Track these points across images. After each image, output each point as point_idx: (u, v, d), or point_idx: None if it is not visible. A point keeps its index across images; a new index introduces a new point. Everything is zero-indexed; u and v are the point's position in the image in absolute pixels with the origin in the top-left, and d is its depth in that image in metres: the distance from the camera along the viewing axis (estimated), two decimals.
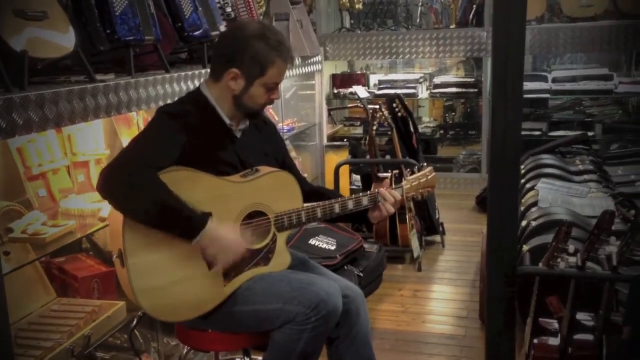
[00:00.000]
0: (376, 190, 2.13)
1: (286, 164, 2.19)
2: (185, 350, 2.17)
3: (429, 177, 2.25)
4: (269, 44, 1.93)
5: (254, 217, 1.97)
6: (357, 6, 5.98)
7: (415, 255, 3.99)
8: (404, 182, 2.21)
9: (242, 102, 1.98)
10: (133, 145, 1.85)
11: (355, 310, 2.02)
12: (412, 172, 2.26)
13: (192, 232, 1.78)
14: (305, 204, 2.04)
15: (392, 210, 2.12)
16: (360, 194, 2.11)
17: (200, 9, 2.69)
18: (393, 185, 2.19)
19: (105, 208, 2.33)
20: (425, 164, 2.39)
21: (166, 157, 1.82)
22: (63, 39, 1.96)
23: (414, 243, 4.00)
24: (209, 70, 2.66)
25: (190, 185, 1.84)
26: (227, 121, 2.00)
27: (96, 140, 2.66)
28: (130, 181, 1.74)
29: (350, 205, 2.08)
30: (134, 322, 2.26)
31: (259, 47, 1.92)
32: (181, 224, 1.78)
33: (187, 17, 2.61)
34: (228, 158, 1.97)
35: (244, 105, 1.99)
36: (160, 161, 1.80)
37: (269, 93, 1.99)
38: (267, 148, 2.13)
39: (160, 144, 1.83)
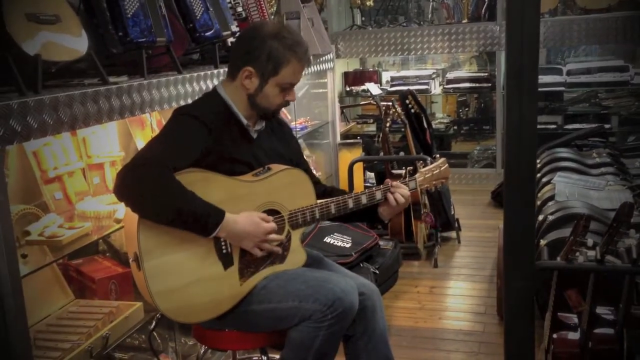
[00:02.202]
0: (389, 182, 2.11)
1: (301, 166, 2.18)
2: (202, 350, 2.17)
3: (442, 168, 2.22)
4: (284, 43, 1.92)
5: (268, 216, 1.97)
6: (368, 3, 5.96)
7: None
8: (417, 175, 2.19)
9: (257, 102, 1.98)
10: (149, 146, 1.86)
11: (371, 307, 2.01)
12: (425, 165, 2.23)
13: (210, 228, 1.79)
14: (319, 200, 2.04)
15: (402, 201, 2.09)
16: (374, 187, 2.10)
17: (211, 9, 2.69)
18: (407, 179, 2.17)
19: (121, 210, 2.34)
20: (438, 155, 2.36)
21: (183, 159, 1.83)
22: (76, 43, 1.97)
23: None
24: (221, 70, 2.68)
25: (203, 187, 1.84)
26: (244, 122, 2.00)
27: (111, 143, 2.68)
28: (146, 182, 1.74)
29: (364, 199, 2.07)
30: (153, 324, 2.26)
31: (274, 46, 1.92)
32: (198, 221, 1.78)
33: (198, 18, 2.62)
34: (245, 159, 1.97)
35: (258, 105, 1.98)
36: (177, 162, 1.81)
37: (284, 94, 1.98)
38: (282, 149, 2.13)
39: (177, 145, 1.84)
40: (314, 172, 4.49)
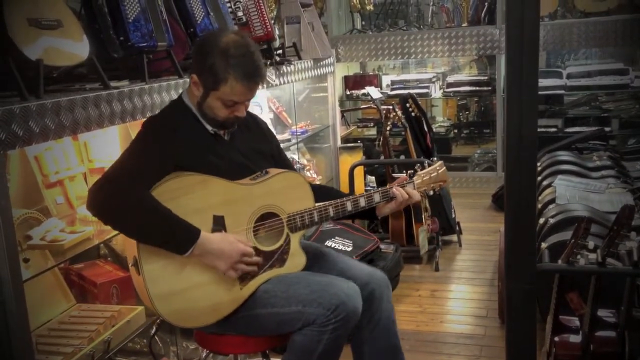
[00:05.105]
0: (389, 186, 2.12)
1: (281, 160, 2.18)
2: (204, 354, 2.17)
3: (440, 171, 2.23)
4: (228, 61, 1.86)
5: (266, 219, 1.97)
6: (368, 7, 5.97)
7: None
8: (415, 177, 2.19)
9: (204, 110, 1.95)
10: (121, 162, 1.85)
11: (377, 296, 2.01)
12: (423, 167, 2.24)
13: (183, 248, 1.79)
14: (317, 204, 2.04)
15: (405, 198, 2.11)
16: (372, 190, 2.11)
17: (212, 14, 2.70)
18: (405, 182, 2.17)
19: None
20: (435, 158, 2.37)
21: (155, 172, 1.82)
22: (77, 48, 1.98)
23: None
24: None
25: (201, 190, 1.85)
26: (209, 127, 1.98)
27: (112, 147, 2.68)
28: (118, 201, 1.74)
29: (363, 202, 2.08)
30: (154, 329, 2.26)
31: (217, 61, 1.87)
32: (172, 240, 1.78)
33: (199, 22, 2.63)
34: (221, 162, 1.95)
35: (206, 114, 1.96)
36: (149, 176, 1.80)
37: (231, 109, 1.94)
38: (259, 146, 2.12)
39: (148, 159, 1.83)
40: (315, 175, 4.51)
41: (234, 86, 1.88)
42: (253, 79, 1.91)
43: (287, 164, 2.20)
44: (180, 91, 2.39)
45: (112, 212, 1.76)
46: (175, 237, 1.78)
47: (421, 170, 2.22)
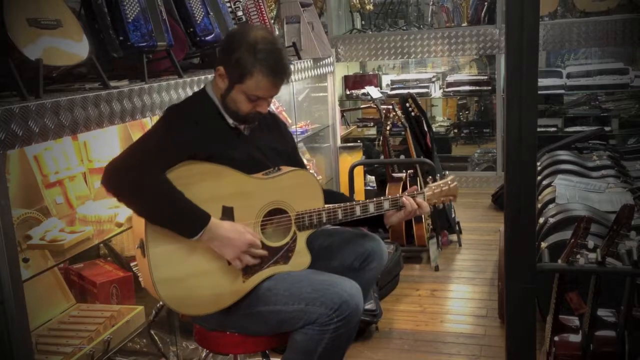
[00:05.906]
0: (399, 195, 2.12)
1: (295, 162, 2.19)
2: (204, 354, 2.18)
3: (451, 185, 2.23)
4: (255, 55, 1.89)
5: (275, 215, 1.97)
6: (367, 7, 5.98)
7: (432, 265, 3.95)
8: (425, 189, 2.19)
9: (227, 103, 1.98)
10: (140, 143, 1.89)
11: (364, 255, 2.08)
12: (434, 180, 2.24)
13: (193, 231, 1.81)
14: (327, 205, 2.04)
15: (410, 216, 2.13)
16: (382, 197, 2.11)
17: (211, 13, 2.70)
18: (415, 193, 2.17)
19: (122, 214, 2.35)
20: (447, 172, 2.37)
21: (171, 157, 1.84)
22: (77, 48, 1.98)
23: (433, 254, 3.97)
24: None
25: (214, 179, 1.86)
26: (230, 121, 2.01)
27: (111, 147, 2.68)
28: (134, 180, 1.77)
29: (372, 208, 2.08)
30: (153, 314, 2.26)
31: (244, 55, 1.90)
32: (183, 222, 1.80)
33: (198, 22, 2.63)
34: (238, 156, 1.97)
35: (228, 107, 1.98)
36: (165, 160, 1.82)
37: (253, 103, 1.96)
38: (276, 144, 2.14)
39: (166, 144, 1.85)
40: (315, 175, 4.51)
41: (259, 80, 1.91)
42: (279, 75, 1.94)
43: (300, 166, 2.20)
44: (180, 91, 2.41)
45: (126, 189, 1.79)
46: (186, 218, 1.80)
47: (432, 182, 2.22)
